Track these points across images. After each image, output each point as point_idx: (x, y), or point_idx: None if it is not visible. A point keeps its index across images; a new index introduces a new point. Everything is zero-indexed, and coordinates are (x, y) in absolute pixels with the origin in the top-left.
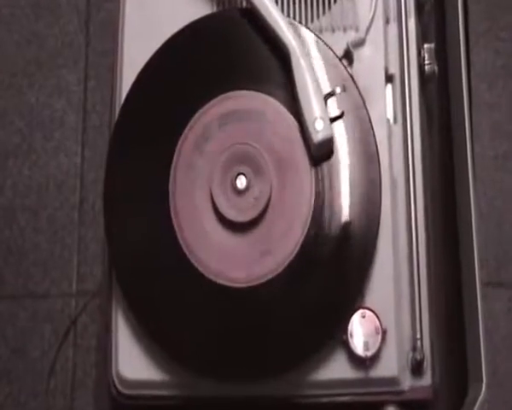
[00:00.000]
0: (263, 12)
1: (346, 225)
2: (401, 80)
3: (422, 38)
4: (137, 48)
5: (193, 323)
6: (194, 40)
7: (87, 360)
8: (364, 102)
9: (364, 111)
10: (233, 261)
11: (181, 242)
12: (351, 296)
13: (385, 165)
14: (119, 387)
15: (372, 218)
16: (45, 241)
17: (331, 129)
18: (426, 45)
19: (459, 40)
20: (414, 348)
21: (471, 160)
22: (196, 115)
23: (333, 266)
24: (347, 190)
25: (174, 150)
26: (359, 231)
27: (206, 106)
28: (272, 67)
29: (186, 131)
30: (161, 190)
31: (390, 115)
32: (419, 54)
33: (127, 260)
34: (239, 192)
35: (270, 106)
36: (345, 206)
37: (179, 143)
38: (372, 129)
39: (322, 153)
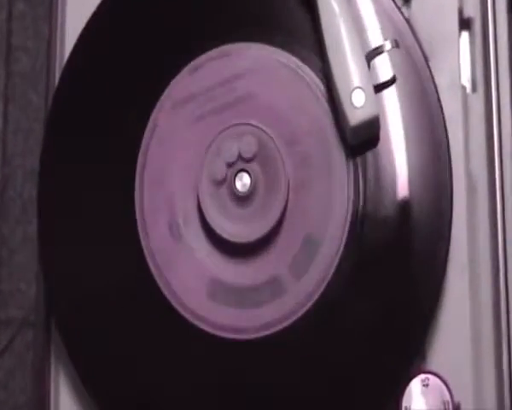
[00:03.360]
0: None
1: (400, 247)
2: (483, 28)
3: None
4: None
5: (173, 394)
6: None
7: None
8: (428, 62)
9: (428, 74)
10: (233, 301)
11: (152, 269)
12: (407, 356)
13: (458, 155)
14: None
15: (439, 238)
16: None
17: (376, 104)
18: None
19: None
20: None
21: None
22: (174, 80)
23: (380, 312)
24: (401, 194)
25: (142, 132)
26: (419, 257)
27: (191, 65)
28: (287, 10)
29: (161, 100)
30: (124, 185)
31: (466, 80)
32: None
33: (69, 291)
34: (240, 198)
35: (284, 67)
36: (397, 218)
37: (150, 120)
38: (439, 101)
39: (363, 139)
